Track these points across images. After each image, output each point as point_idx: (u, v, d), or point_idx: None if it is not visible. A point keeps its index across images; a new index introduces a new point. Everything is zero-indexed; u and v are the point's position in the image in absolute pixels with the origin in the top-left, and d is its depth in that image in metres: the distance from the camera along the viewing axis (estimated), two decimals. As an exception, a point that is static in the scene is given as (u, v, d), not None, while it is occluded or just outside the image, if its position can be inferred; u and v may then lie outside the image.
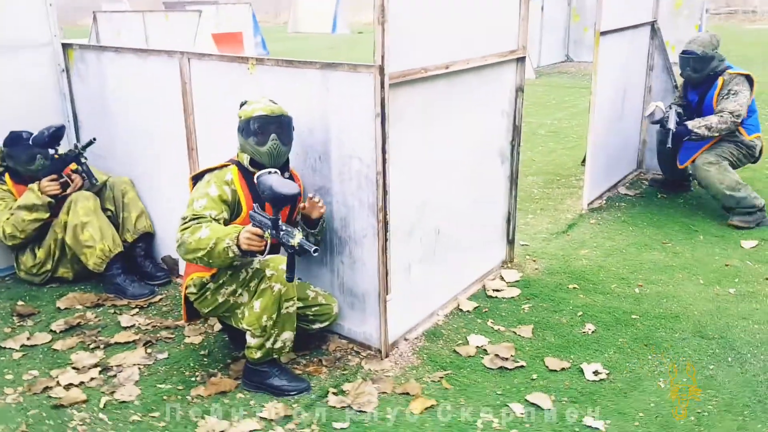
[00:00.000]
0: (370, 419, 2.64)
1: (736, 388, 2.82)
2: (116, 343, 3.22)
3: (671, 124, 4.62)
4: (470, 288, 3.74)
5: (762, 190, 5.01)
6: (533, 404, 2.72)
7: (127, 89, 3.87)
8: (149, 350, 3.15)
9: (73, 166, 3.81)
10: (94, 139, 3.81)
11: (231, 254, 2.57)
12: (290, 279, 2.56)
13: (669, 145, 4.65)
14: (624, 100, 5.33)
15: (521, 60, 3.68)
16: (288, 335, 2.78)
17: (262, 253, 2.60)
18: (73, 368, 3.00)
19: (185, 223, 2.70)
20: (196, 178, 2.93)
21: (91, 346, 3.19)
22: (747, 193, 4.57)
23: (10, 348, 3.18)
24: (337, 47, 19.69)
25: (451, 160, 3.33)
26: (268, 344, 2.74)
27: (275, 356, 2.80)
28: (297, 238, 2.49)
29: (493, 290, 3.72)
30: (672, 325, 3.35)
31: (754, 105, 4.79)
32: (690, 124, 4.59)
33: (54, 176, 3.72)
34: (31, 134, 3.75)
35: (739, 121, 4.56)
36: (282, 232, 2.52)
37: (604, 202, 5.19)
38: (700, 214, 4.88)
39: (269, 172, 2.62)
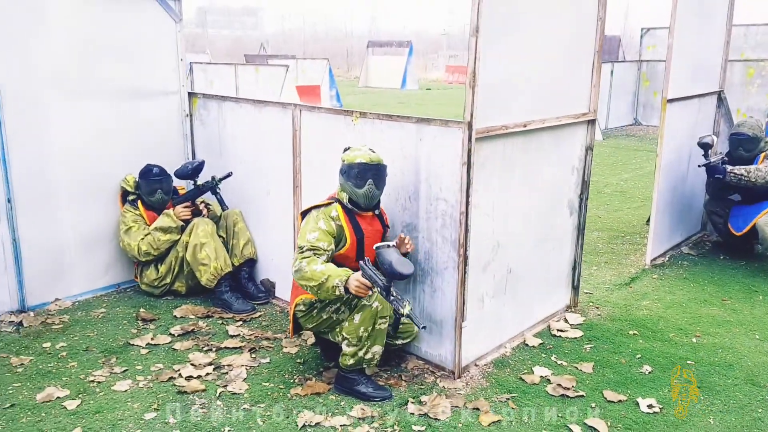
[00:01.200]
0: (444, 426, 3.02)
1: (783, 431, 3.05)
2: (225, 347, 3.74)
3: (711, 158, 5.18)
4: (536, 326, 4.09)
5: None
6: (591, 427, 3.04)
7: (243, 133, 4.51)
8: (254, 355, 3.65)
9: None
10: (231, 173, 4.47)
11: (338, 293, 3.06)
12: (394, 333, 3.17)
13: (708, 175, 5.25)
14: (689, 164, 5.63)
15: (591, 122, 4.11)
16: (378, 348, 3.22)
17: (366, 297, 3.13)
18: (191, 364, 3.53)
19: (302, 252, 3.18)
20: (305, 213, 3.44)
21: (205, 349, 3.72)
22: None
23: (137, 345, 3.76)
24: (406, 102, 20.58)
25: (524, 207, 3.75)
26: (361, 353, 3.19)
27: (365, 366, 3.24)
28: (407, 308, 3.02)
29: (558, 330, 4.06)
30: (725, 372, 3.59)
31: None
32: (728, 167, 5.09)
33: (188, 204, 4.42)
34: (161, 168, 4.41)
35: None
36: (393, 298, 3.04)
37: (667, 259, 5.45)
38: (761, 275, 5.07)
39: (388, 246, 3.10)
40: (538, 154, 3.75)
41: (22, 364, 3.54)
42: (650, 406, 3.22)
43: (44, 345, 3.76)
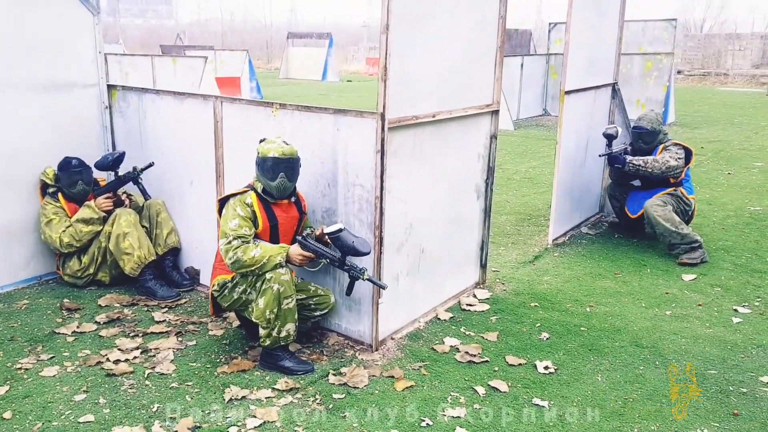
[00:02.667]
0: (362, 393, 3.29)
1: (658, 383, 3.50)
2: (152, 332, 3.87)
3: (613, 148, 5.70)
4: (447, 302, 4.42)
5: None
6: (493, 388, 3.38)
7: (164, 125, 4.59)
8: (180, 339, 3.79)
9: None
10: (152, 163, 4.53)
11: (280, 266, 3.35)
12: (349, 294, 3.51)
13: (610, 164, 5.82)
14: (587, 151, 6.14)
15: (495, 112, 4.47)
16: (290, 326, 3.44)
17: (310, 268, 3.52)
18: (119, 349, 3.63)
19: (229, 242, 3.36)
20: (222, 201, 3.60)
21: (131, 335, 3.83)
22: (688, 231, 5.37)
23: (63, 333, 3.82)
24: (327, 94, 20.72)
25: (435, 191, 4.06)
26: (274, 333, 3.40)
27: (282, 343, 3.45)
28: (365, 275, 3.41)
29: (467, 305, 4.41)
30: (614, 336, 4.04)
31: (689, 172, 5.72)
32: (628, 157, 5.60)
33: (109, 194, 4.46)
34: (80, 160, 4.42)
35: (666, 168, 5.42)
36: (348, 267, 3.40)
37: (567, 239, 5.94)
38: (650, 251, 5.64)
39: (341, 230, 3.33)
40: (446, 143, 4.07)
41: (-59, 356, 3.53)
42: (546, 368, 3.61)
43: (-36, 338, 3.75)
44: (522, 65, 14.20)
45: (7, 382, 3.29)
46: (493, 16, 4.24)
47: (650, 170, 5.49)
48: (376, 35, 41.76)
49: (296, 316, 3.47)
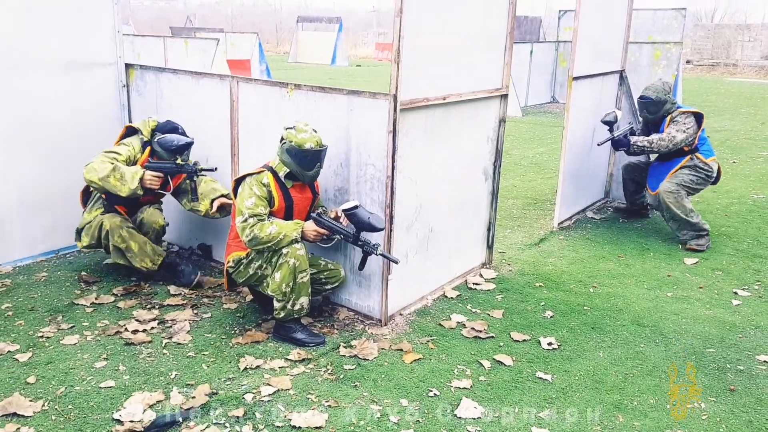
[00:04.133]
0: (372, 365, 3.41)
1: (658, 360, 3.62)
2: (168, 305, 4.00)
3: (615, 133, 5.60)
4: (454, 280, 4.54)
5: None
6: (498, 361, 3.50)
7: (181, 104, 4.69)
8: (195, 311, 3.92)
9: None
10: (216, 168, 4.27)
11: (296, 242, 3.49)
12: (362, 269, 3.61)
13: (615, 148, 5.74)
14: (593, 137, 6.21)
15: (504, 96, 4.55)
16: (304, 299, 3.57)
17: (324, 243, 3.62)
18: (136, 320, 3.76)
19: (245, 220, 3.47)
20: (238, 181, 3.70)
21: (148, 306, 3.96)
22: (698, 219, 5.43)
23: (82, 304, 3.95)
24: (337, 78, 20.75)
25: (444, 172, 4.15)
26: (289, 306, 3.53)
27: (296, 316, 3.57)
28: (379, 249, 3.51)
29: (473, 283, 4.53)
30: (616, 316, 4.15)
31: (704, 134, 5.58)
32: (633, 138, 5.51)
33: (160, 174, 4.11)
34: (182, 128, 4.29)
35: (673, 144, 5.34)
36: (362, 243, 3.50)
37: (573, 222, 6.04)
38: (654, 236, 5.73)
39: (356, 206, 3.45)
40: (456, 125, 4.16)
41: (-33, 324, 3.67)
42: (550, 344, 3.72)
43: (-12, 307, 3.90)
44: (531, 52, 14.21)
45: (30, 349, 3.43)
46: (503, 1, 4.31)
47: (657, 149, 5.43)
48: (385, 20, 41.65)
49: (309, 290, 3.60)
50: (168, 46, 12.28)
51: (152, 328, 3.69)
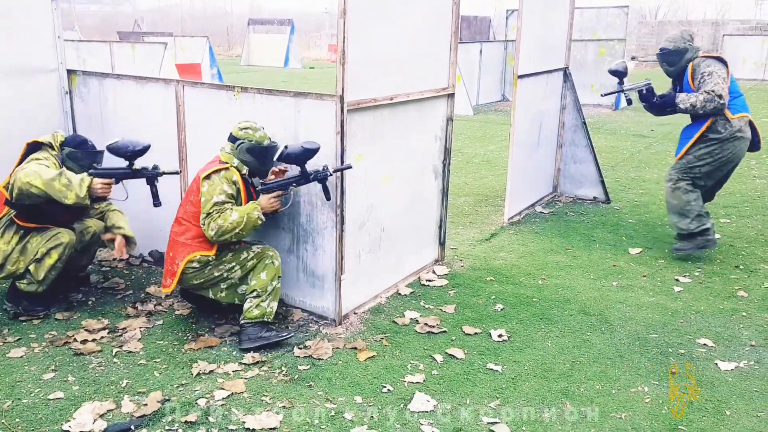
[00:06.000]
0: (326, 364, 3.44)
1: (604, 347, 3.75)
2: (118, 312, 3.93)
3: (627, 86, 5.26)
4: (408, 278, 4.60)
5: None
6: (450, 355, 3.58)
7: (126, 110, 4.62)
8: (147, 318, 3.88)
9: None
10: (180, 171, 4.15)
11: (260, 221, 3.55)
12: (329, 198, 3.62)
13: (625, 104, 5.50)
14: (540, 133, 6.36)
15: (451, 96, 4.63)
16: (275, 305, 3.63)
17: (283, 206, 3.68)
18: (86, 330, 3.70)
19: (208, 215, 3.50)
20: (207, 177, 3.63)
21: (98, 316, 3.89)
22: (689, 222, 5.00)
23: (26, 319, 3.84)
24: (290, 80, 20.65)
25: (394, 172, 4.21)
26: (264, 304, 3.57)
27: (266, 319, 3.58)
28: (331, 169, 3.56)
29: (426, 280, 4.60)
30: (563, 306, 4.28)
31: (736, 86, 4.98)
32: (679, 96, 4.91)
33: (110, 181, 3.78)
34: (92, 142, 4.06)
35: (724, 100, 4.72)
36: (313, 173, 3.55)
37: (522, 217, 6.18)
38: (599, 228, 5.91)
39: (286, 146, 3.54)
40: (404, 125, 4.22)
41: None
42: (500, 336, 3.82)
43: (-73, 323, 3.77)
44: (481, 51, 14.42)
45: (-25, 364, 3.34)
46: (447, 2, 4.39)
47: (707, 110, 4.80)
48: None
49: (278, 299, 3.68)
50: (114, 51, 12.03)
51: (102, 337, 3.64)
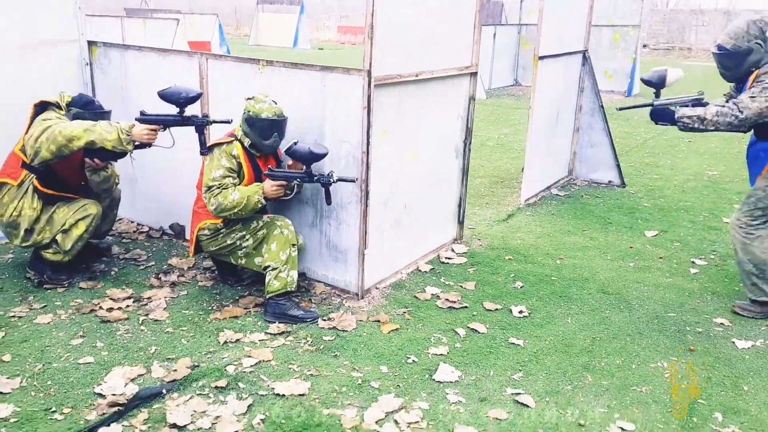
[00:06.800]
0: (351, 335, 3.48)
1: (623, 325, 3.78)
2: (142, 283, 3.97)
3: (664, 99, 4.06)
4: (428, 255, 4.62)
5: None
6: (473, 329, 3.61)
7: (147, 82, 4.62)
8: (171, 289, 3.92)
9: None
10: (231, 120, 3.86)
11: (259, 204, 3.54)
12: (329, 203, 3.61)
13: (654, 120, 4.05)
14: (558, 116, 6.36)
15: (474, 74, 4.63)
16: (294, 274, 3.63)
17: (287, 196, 3.63)
18: (111, 299, 3.74)
19: (210, 190, 3.53)
20: (210, 149, 3.69)
21: (123, 286, 3.93)
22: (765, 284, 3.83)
23: (50, 287, 3.88)
24: (299, 61, 20.51)
25: (417, 149, 4.22)
26: (283, 275, 3.57)
27: (289, 288, 3.61)
28: (335, 177, 3.54)
29: (446, 258, 4.62)
30: (582, 285, 4.31)
31: None
32: (682, 110, 3.85)
33: (155, 127, 3.72)
34: (98, 102, 4.02)
35: (744, 117, 3.63)
36: (317, 177, 3.53)
37: (539, 199, 6.19)
38: (615, 211, 5.92)
39: (295, 143, 3.51)
40: (428, 102, 4.22)
41: (-65, 305, 3.60)
42: (521, 312, 3.85)
43: (-45, 289, 3.82)
44: (494, 35, 14.33)
45: (2, 329, 3.39)
46: (472, -21, 4.38)
47: (719, 125, 3.72)
48: (347, 3, 41.28)
49: (297, 267, 3.67)
50: (126, 26, 11.99)
51: (127, 306, 3.68)
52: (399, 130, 3.99)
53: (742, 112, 3.64)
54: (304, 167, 3.58)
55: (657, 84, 4.11)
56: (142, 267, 4.25)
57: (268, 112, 3.58)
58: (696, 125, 3.78)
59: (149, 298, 3.78)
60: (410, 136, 4.11)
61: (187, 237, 4.70)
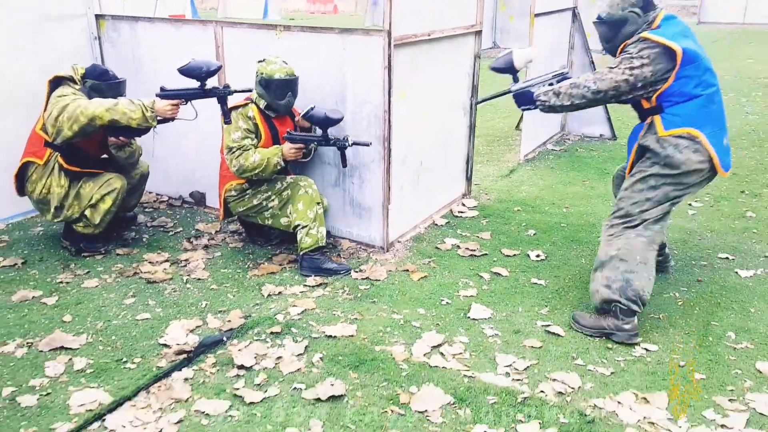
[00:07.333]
0: (384, 284, 3.71)
1: (632, 263, 4.06)
2: (177, 247, 4.14)
3: (522, 83, 3.52)
4: (441, 210, 4.85)
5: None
6: (496, 273, 3.87)
7: (161, 53, 4.71)
8: (206, 251, 4.09)
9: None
10: (251, 90, 3.87)
11: (279, 167, 3.72)
12: (345, 165, 3.80)
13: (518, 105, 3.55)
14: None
15: (479, 33, 4.81)
16: (323, 230, 3.82)
17: (305, 158, 3.82)
18: (149, 263, 3.90)
19: (232, 152, 3.71)
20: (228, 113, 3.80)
21: (157, 251, 4.09)
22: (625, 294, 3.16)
23: (88, 255, 4.02)
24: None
25: (429, 108, 4.40)
26: (314, 231, 3.76)
27: (321, 244, 3.80)
28: (350, 140, 3.69)
29: (458, 212, 4.86)
30: (590, 230, 4.58)
31: (683, 84, 3.06)
32: (541, 89, 3.40)
33: (177, 102, 3.73)
34: (113, 72, 4.02)
35: (596, 89, 3.17)
36: (333, 140, 3.70)
37: (536, 155, 6.44)
38: (611, 162, 6.19)
39: (312, 108, 3.67)
40: (438, 61, 4.39)
41: (-20, 277, 3.72)
42: (538, 256, 4.11)
43: (-5, 261, 3.94)
44: (471, -2, 14.41)
45: (54, 294, 3.54)
46: (475, -60, 4.52)
47: (574, 98, 3.24)
48: (313, -28, 40.51)
49: (324, 223, 3.86)
50: (103, 2, 11.79)
51: (165, 269, 3.84)
52: (414, 89, 4.16)
53: (595, 83, 3.18)
54: (320, 130, 3.76)
55: (507, 70, 3.56)
56: (171, 233, 4.41)
57: (281, 72, 3.74)
58: (552, 101, 3.30)
59: (186, 260, 3.95)
60: (423, 95, 4.29)
61: (209, 204, 4.86)
